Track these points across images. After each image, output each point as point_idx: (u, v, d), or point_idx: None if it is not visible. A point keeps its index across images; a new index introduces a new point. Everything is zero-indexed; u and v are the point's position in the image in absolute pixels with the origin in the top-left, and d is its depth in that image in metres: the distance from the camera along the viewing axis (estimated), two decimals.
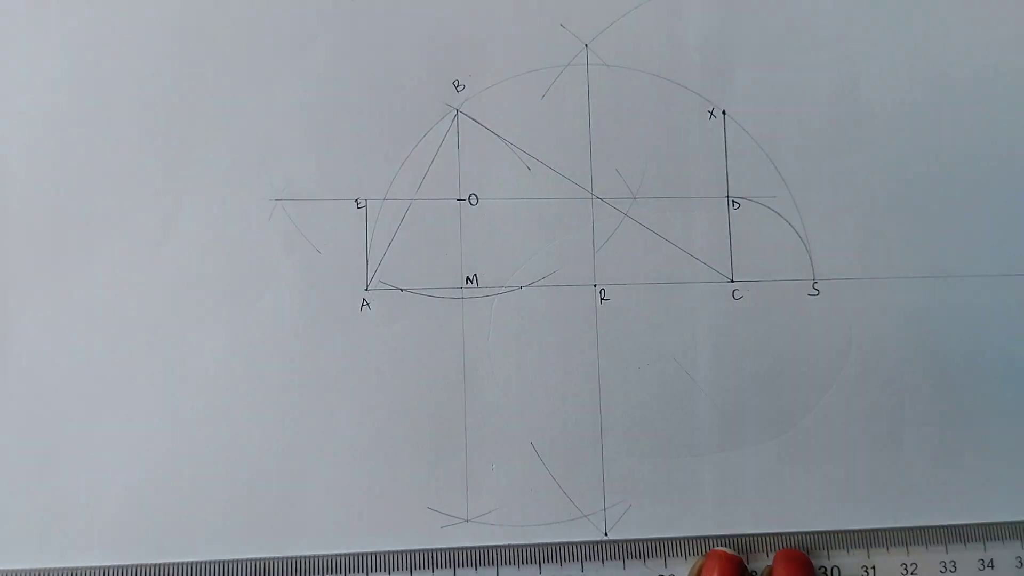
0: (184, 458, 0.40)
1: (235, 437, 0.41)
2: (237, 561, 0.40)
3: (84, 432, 0.40)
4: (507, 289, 0.42)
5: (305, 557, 0.40)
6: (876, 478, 0.43)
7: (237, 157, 0.42)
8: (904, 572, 0.42)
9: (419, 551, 0.41)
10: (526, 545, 0.41)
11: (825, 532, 0.42)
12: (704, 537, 0.42)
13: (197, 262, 0.41)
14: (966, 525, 0.43)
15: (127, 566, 0.39)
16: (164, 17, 0.42)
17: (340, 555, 0.40)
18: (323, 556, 0.40)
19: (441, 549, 0.41)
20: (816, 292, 0.44)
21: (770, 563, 0.41)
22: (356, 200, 0.42)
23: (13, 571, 0.39)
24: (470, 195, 0.43)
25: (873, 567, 0.42)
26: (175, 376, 0.41)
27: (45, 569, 0.39)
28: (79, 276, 0.41)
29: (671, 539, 0.41)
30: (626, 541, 0.41)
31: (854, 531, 0.42)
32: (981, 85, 0.45)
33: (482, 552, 0.41)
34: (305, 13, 0.43)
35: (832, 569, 0.42)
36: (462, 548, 0.41)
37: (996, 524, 0.43)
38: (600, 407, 0.42)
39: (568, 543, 0.41)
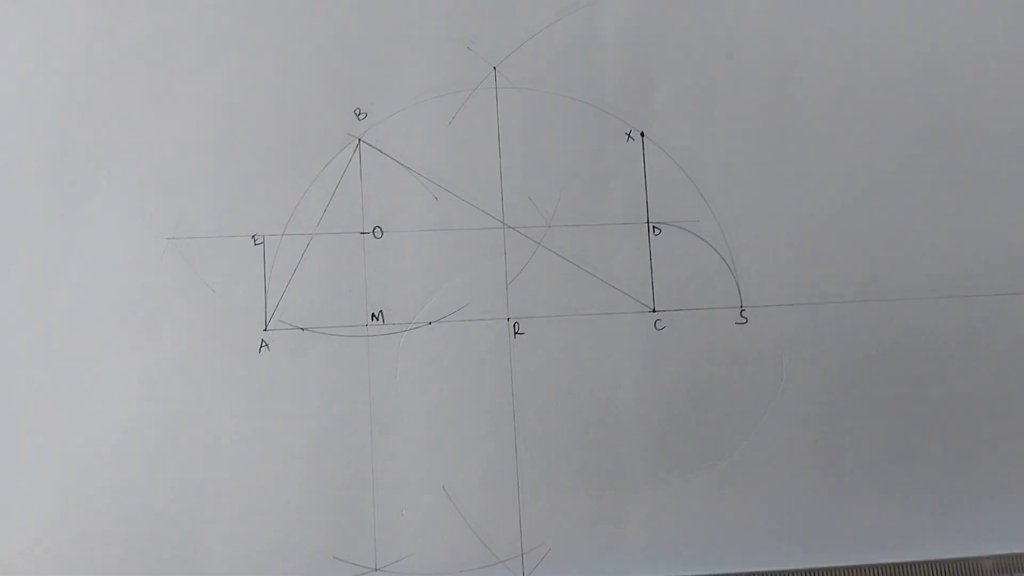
0: (78, 504, 0.39)
1: (129, 484, 0.39)
2: None
3: None
4: (415, 325, 0.40)
5: None
6: (815, 513, 0.41)
7: (127, 194, 0.40)
8: None
9: None
10: None
11: (762, 573, 0.40)
12: None
13: (87, 305, 0.39)
14: (913, 563, 0.40)
15: None
16: (51, 45, 0.41)
17: None
18: None
19: None
20: (744, 320, 0.41)
21: None
22: (253, 236, 0.40)
23: None
24: (374, 228, 0.41)
25: None
26: (67, 420, 0.39)
27: None
28: None
29: None
30: None
31: (793, 571, 0.40)
32: (919, 100, 0.43)
33: None
34: (199, 41, 0.41)
35: None
36: None
37: (945, 561, 0.40)
38: (516, 446, 0.40)
39: None
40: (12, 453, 0.39)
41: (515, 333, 0.41)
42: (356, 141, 0.41)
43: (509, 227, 0.41)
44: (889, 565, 0.40)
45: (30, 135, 0.40)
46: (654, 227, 0.42)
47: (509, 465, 0.40)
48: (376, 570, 0.39)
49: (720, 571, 0.40)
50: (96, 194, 0.40)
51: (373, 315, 0.40)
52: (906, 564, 0.40)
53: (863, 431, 0.41)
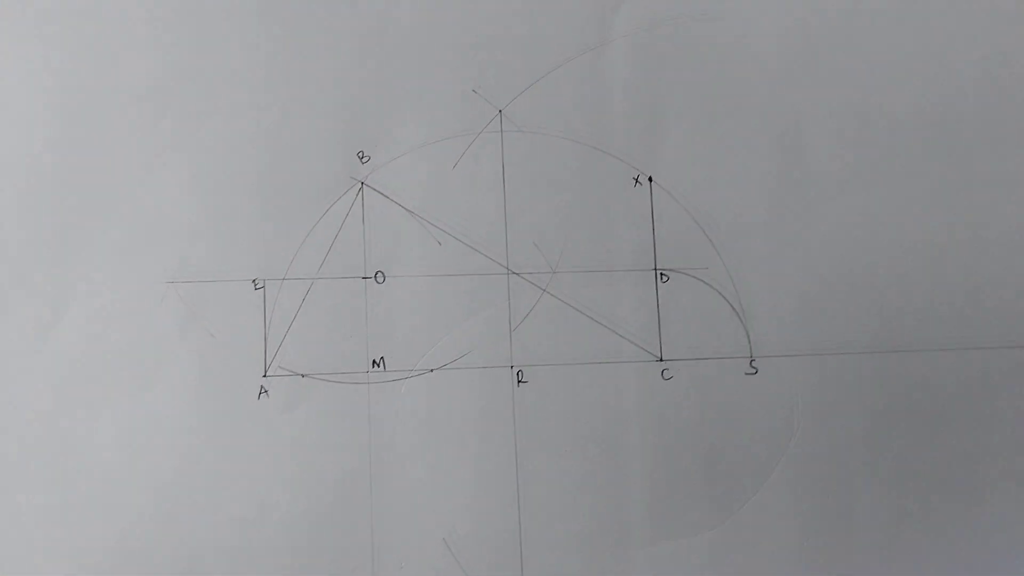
0: (71, 553, 0.38)
1: (125, 534, 0.38)
2: None
3: None
4: (417, 373, 0.40)
5: None
6: (825, 572, 0.39)
7: (127, 236, 0.40)
8: None
9: None
10: None
11: None
12: None
13: (86, 349, 0.39)
14: None
15: None
16: (48, 86, 0.40)
17: None
18: None
19: None
20: (754, 370, 0.40)
21: None
22: (254, 281, 0.40)
23: None
24: (376, 273, 0.40)
25: None
26: (63, 469, 0.38)
27: None
28: None
29: None
30: None
31: None
32: (932, 149, 0.42)
33: None
34: (199, 83, 0.41)
35: None
36: None
37: None
38: (519, 498, 0.39)
39: None
40: (7, 502, 0.38)
41: (519, 382, 0.40)
42: (359, 184, 0.40)
43: (513, 273, 0.40)
44: None
45: (28, 178, 0.40)
46: (662, 274, 0.41)
47: (511, 519, 0.39)
48: None
49: None
50: (95, 237, 0.39)
51: (374, 362, 0.40)
52: None
53: (875, 490, 0.40)
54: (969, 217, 0.41)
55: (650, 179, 0.41)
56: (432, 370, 0.40)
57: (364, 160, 0.41)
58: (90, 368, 0.39)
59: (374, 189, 0.40)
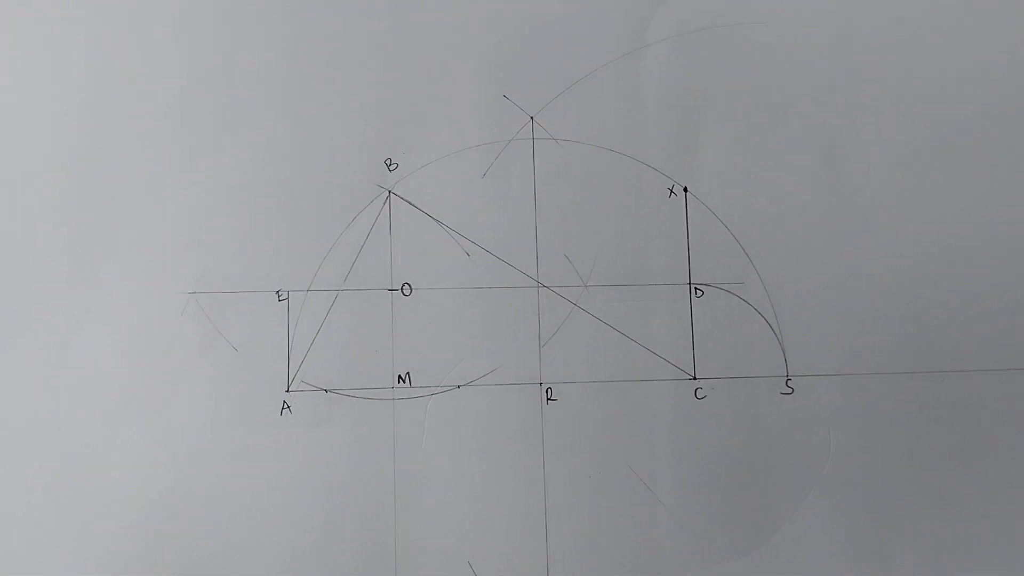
0: (93, 570, 0.37)
1: (144, 549, 0.37)
2: None
3: None
4: (443, 389, 0.38)
5: None
6: None
7: (148, 245, 0.38)
8: None
9: None
10: None
11: None
12: None
13: (106, 362, 0.38)
14: None
15: None
16: (70, 94, 0.39)
17: None
18: None
19: None
20: (790, 390, 0.39)
21: None
22: (277, 292, 0.39)
23: None
24: (403, 284, 0.39)
25: None
26: (82, 483, 0.37)
27: None
28: None
29: None
30: None
31: None
32: (979, 158, 0.40)
33: None
34: (226, 91, 0.39)
35: None
36: None
37: None
38: (546, 521, 0.38)
39: None
40: (27, 520, 0.37)
41: (548, 399, 0.39)
42: (386, 193, 0.39)
43: (544, 286, 0.39)
44: None
45: (50, 186, 0.39)
46: (696, 289, 0.39)
47: (539, 541, 0.38)
48: None
49: None
50: (116, 246, 0.38)
51: (400, 377, 0.38)
52: None
53: (914, 514, 0.38)
54: (1015, 233, 0.40)
55: (685, 190, 0.40)
56: (459, 386, 0.39)
57: (392, 168, 0.39)
58: (110, 380, 0.38)
59: (401, 198, 0.39)
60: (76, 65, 0.39)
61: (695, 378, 0.39)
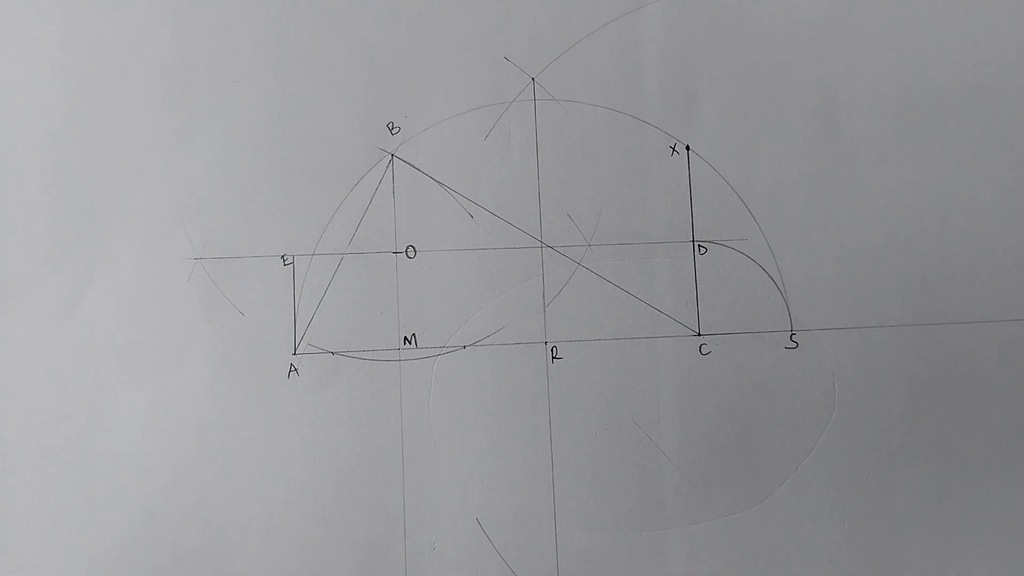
0: (98, 536, 0.37)
1: (152, 514, 0.38)
2: None
3: None
4: (449, 349, 0.39)
5: None
6: (864, 553, 0.39)
7: (152, 211, 0.39)
8: None
9: None
10: None
11: None
12: None
13: (112, 327, 0.38)
14: None
15: None
16: (71, 62, 0.39)
17: None
18: None
19: None
20: (794, 344, 0.39)
21: None
22: (283, 256, 0.39)
23: None
24: (407, 247, 0.39)
25: None
26: (88, 449, 0.38)
27: None
28: None
29: None
30: None
31: None
32: (977, 111, 0.40)
33: None
34: (226, 54, 0.39)
35: None
36: None
37: None
38: (553, 477, 0.38)
39: None
40: (32, 482, 0.38)
41: (553, 357, 0.39)
42: (389, 156, 0.39)
43: (547, 246, 0.39)
44: None
45: (52, 154, 0.39)
46: (699, 246, 0.40)
47: (546, 497, 0.38)
48: None
49: None
50: (120, 213, 0.39)
51: (405, 338, 0.39)
52: None
53: (917, 466, 0.39)
54: (1011, 186, 0.40)
55: (687, 148, 0.40)
56: (465, 347, 0.39)
57: (394, 131, 0.39)
58: (116, 346, 0.38)
59: (404, 161, 0.39)
60: (76, 33, 0.39)
61: (699, 334, 0.39)
